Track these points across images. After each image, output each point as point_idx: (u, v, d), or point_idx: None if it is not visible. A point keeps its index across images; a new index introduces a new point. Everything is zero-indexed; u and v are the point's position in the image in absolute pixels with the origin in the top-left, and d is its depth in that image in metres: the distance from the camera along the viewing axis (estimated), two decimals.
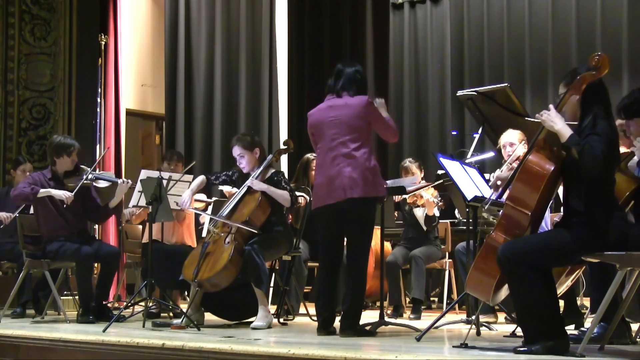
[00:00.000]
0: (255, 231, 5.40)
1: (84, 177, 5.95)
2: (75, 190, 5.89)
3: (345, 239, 4.97)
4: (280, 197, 5.56)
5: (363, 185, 4.69)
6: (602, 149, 3.59)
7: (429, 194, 6.49)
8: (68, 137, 6.20)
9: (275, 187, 5.58)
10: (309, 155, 6.65)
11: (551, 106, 3.81)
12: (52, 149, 6.10)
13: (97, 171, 6.32)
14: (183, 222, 6.47)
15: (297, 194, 5.96)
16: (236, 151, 5.68)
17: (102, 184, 6.08)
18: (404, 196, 6.54)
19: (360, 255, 4.82)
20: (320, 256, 5.04)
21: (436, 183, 6.50)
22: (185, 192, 5.68)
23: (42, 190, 5.90)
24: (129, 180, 6.14)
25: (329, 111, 4.84)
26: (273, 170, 5.75)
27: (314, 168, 6.47)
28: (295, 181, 6.63)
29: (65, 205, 5.91)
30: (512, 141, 5.65)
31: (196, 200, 6.43)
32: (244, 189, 5.59)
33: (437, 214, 6.58)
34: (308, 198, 6.13)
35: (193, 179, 6.09)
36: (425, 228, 6.61)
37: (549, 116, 3.77)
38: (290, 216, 6.38)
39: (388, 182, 5.52)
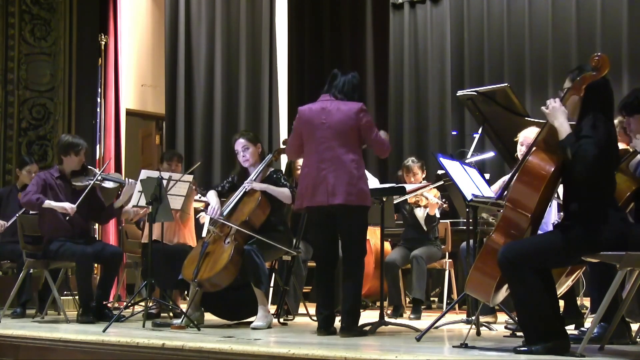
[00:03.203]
0: (254, 235, 5.39)
1: (94, 178, 5.98)
2: (80, 199, 5.92)
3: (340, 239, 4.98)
4: (281, 194, 5.56)
5: (345, 193, 4.69)
6: (594, 153, 3.59)
7: (432, 195, 6.50)
8: (77, 137, 6.20)
9: (275, 185, 5.58)
10: None
11: (558, 100, 3.81)
12: (60, 147, 6.11)
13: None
14: (186, 224, 6.47)
15: None
16: (240, 143, 5.69)
17: (110, 184, 6.12)
18: (405, 197, 6.55)
19: (355, 257, 4.83)
20: (315, 256, 5.05)
21: (437, 184, 6.50)
22: (213, 204, 5.63)
23: (46, 201, 5.90)
24: (135, 181, 6.13)
25: (321, 113, 4.82)
26: (272, 169, 5.76)
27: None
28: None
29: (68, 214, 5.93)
30: (530, 142, 5.51)
31: (196, 200, 6.44)
32: (243, 190, 5.59)
33: (438, 214, 6.60)
34: None
35: (194, 179, 6.10)
36: (425, 228, 6.62)
37: (554, 109, 3.77)
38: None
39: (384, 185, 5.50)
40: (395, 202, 6.66)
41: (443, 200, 6.53)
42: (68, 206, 5.89)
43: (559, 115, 3.76)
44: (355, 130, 4.79)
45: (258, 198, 5.50)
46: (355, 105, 4.81)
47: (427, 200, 6.52)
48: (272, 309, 5.83)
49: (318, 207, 4.77)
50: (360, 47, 9.59)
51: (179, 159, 6.78)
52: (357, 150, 4.81)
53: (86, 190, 5.95)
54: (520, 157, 5.53)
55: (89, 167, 6.24)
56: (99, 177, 6.05)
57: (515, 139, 5.61)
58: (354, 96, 4.87)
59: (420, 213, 6.62)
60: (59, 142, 6.19)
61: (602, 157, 3.62)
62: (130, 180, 6.10)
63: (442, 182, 6.42)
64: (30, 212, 6.63)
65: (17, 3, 8.33)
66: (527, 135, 5.55)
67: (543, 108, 3.85)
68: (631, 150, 4.47)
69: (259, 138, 5.87)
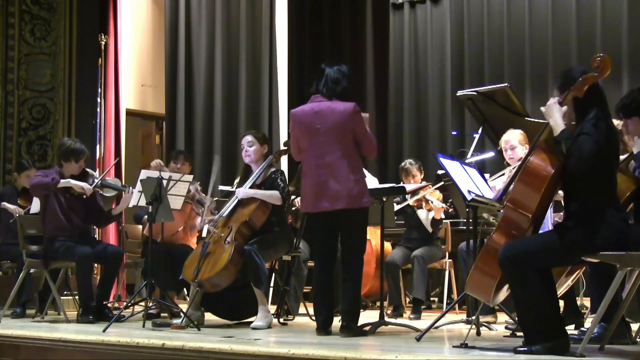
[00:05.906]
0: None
1: (95, 183, 5.99)
2: (93, 185, 5.96)
3: (340, 240, 4.99)
4: (270, 197, 5.55)
5: (347, 197, 4.70)
6: (590, 149, 3.59)
7: (435, 198, 6.48)
8: (78, 142, 6.15)
9: (271, 186, 5.58)
10: None
11: (556, 98, 3.81)
12: (62, 152, 6.08)
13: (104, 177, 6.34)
14: (193, 234, 6.48)
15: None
16: (247, 138, 5.71)
17: (109, 192, 6.13)
18: (408, 202, 6.55)
19: (356, 256, 4.84)
20: (316, 255, 5.05)
21: (438, 186, 6.50)
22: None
23: (62, 180, 5.90)
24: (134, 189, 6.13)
25: (315, 118, 4.78)
26: (273, 169, 5.76)
27: None
28: (296, 183, 6.62)
29: (73, 204, 5.94)
30: (513, 144, 5.56)
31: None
32: (236, 199, 5.59)
33: (443, 216, 6.61)
34: None
35: (193, 180, 6.10)
36: (430, 229, 6.62)
37: (549, 107, 3.79)
38: (290, 216, 6.38)
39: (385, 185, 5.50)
40: (398, 207, 6.66)
41: (449, 203, 6.51)
42: (85, 185, 5.92)
43: (554, 113, 3.77)
44: (350, 132, 4.77)
45: (258, 199, 5.51)
46: (349, 105, 4.77)
47: (431, 205, 6.50)
48: (273, 309, 5.83)
49: (322, 212, 4.77)
50: (360, 47, 9.59)
51: (186, 157, 6.75)
52: (353, 151, 4.79)
53: (93, 187, 5.97)
54: (508, 162, 5.57)
55: (88, 170, 6.23)
56: (99, 183, 6.06)
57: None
58: (337, 89, 4.80)
59: (423, 215, 6.61)
60: (60, 147, 6.15)
61: (599, 155, 3.61)
62: (130, 189, 6.07)
63: (441, 183, 6.42)
64: (31, 212, 6.65)
65: (17, 3, 8.33)
66: (507, 139, 5.58)
67: (542, 108, 3.85)
68: (628, 152, 4.47)
69: (267, 139, 5.88)
